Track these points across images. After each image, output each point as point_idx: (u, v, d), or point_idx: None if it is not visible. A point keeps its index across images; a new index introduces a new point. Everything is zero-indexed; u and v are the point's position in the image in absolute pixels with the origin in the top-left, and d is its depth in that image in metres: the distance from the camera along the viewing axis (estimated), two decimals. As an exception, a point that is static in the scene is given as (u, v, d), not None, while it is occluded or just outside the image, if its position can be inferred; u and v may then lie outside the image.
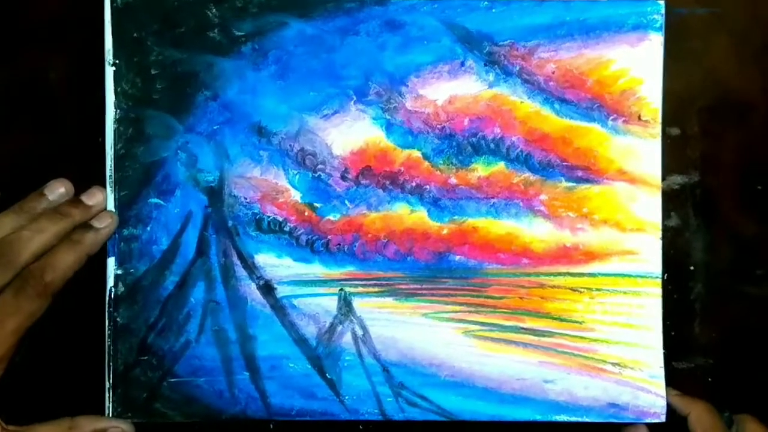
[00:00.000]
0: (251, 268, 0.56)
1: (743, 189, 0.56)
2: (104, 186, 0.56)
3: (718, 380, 0.56)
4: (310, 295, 0.56)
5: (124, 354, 0.56)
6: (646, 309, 0.55)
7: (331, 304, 0.56)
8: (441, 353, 0.56)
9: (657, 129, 0.55)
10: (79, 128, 0.57)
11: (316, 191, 0.56)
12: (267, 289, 0.56)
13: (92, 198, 0.55)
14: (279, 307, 0.56)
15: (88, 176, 0.57)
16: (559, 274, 0.56)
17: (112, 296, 0.56)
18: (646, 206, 0.55)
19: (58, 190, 0.54)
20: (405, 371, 0.56)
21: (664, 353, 0.55)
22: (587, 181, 0.56)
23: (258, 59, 0.56)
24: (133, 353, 0.56)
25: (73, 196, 0.55)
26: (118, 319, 0.56)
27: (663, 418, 0.55)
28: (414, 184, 0.56)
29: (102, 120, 0.56)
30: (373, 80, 0.56)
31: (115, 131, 0.56)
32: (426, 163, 0.56)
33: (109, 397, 0.55)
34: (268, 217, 0.56)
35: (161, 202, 0.56)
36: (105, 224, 0.54)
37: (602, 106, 0.56)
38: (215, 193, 0.56)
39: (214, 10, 0.56)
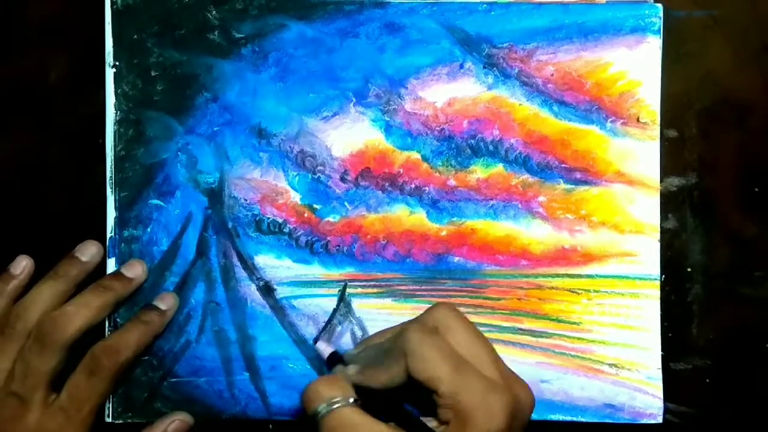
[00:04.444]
0: (251, 269, 0.56)
1: (741, 191, 0.57)
2: (104, 186, 0.56)
3: (715, 382, 0.56)
4: (310, 296, 0.56)
5: (125, 354, 0.56)
6: (644, 310, 0.55)
7: (331, 305, 0.56)
8: (439, 354, 0.56)
9: (655, 131, 0.56)
10: (80, 130, 0.58)
11: (315, 193, 0.57)
12: (267, 290, 0.56)
13: (132, 270, 0.55)
14: (279, 308, 0.56)
15: (89, 178, 0.57)
16: (558, 275, 0.56)
17: (113, 297, 0.56)
18: (645, 208, 0.56)
19: (90, 251, 0.55)
20: (404, 372, 0.56)
21: (662, 355, 0.55)
22: (586, 183, 0.56)
23: (258, 61, 0.56)
24: (133, 353, 0.56)
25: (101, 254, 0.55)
26: (118, 320, 0.56)
27: (660, 419, 0.55)
28: (413, 185, 0.56)
29: (102, 121, 0.57)
30: (373, 82, 0.56)
31: (115, 133, 0.56)
32: (425, 165, 0.56)
33: (109, 397, 0.56)
34: (268, 218, 0.57)
35: (161, 204, 0.57)
36: (169, 306, 0.55)
37: (601, 108, 0.56)
38: (215, 195, 0.57)
39: (214, 12, 0.56)
